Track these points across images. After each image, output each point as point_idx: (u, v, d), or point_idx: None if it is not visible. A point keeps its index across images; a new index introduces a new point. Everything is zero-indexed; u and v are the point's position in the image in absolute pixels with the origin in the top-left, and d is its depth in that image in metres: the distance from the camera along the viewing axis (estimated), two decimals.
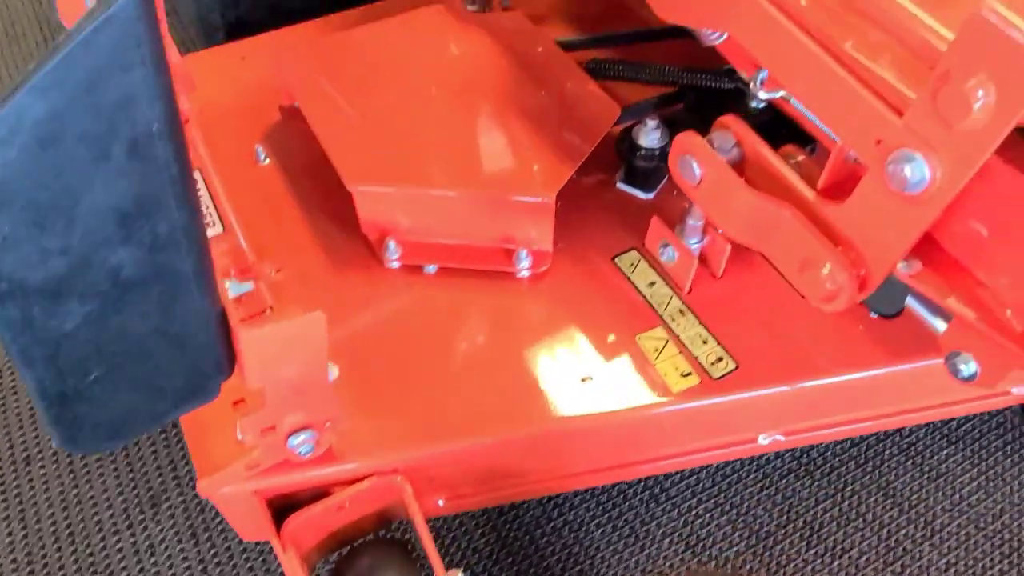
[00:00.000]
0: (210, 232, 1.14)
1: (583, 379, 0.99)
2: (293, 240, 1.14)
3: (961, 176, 0.68)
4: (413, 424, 0.97)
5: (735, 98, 1.17)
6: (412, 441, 0.95)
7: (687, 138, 0.92)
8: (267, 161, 1.23)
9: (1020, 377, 1.20)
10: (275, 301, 0.96)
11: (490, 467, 1.01)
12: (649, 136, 1.13)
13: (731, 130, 0.92)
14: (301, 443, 0.83)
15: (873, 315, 1.02)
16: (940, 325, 0.89)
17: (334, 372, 0.99)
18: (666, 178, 1.20)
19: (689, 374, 1.00)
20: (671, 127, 1.17)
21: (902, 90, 0.75)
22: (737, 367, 1.01)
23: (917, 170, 0.70)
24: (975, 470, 1.30)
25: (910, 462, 1.30)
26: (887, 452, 1.31)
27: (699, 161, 0.92)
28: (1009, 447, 1.32)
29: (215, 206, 1.15)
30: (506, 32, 1.24)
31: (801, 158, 0.96)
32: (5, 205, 0.51)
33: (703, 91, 1.19)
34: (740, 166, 0.93)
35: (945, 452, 1.31)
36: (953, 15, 0.74)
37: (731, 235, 0.93)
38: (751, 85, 0.94)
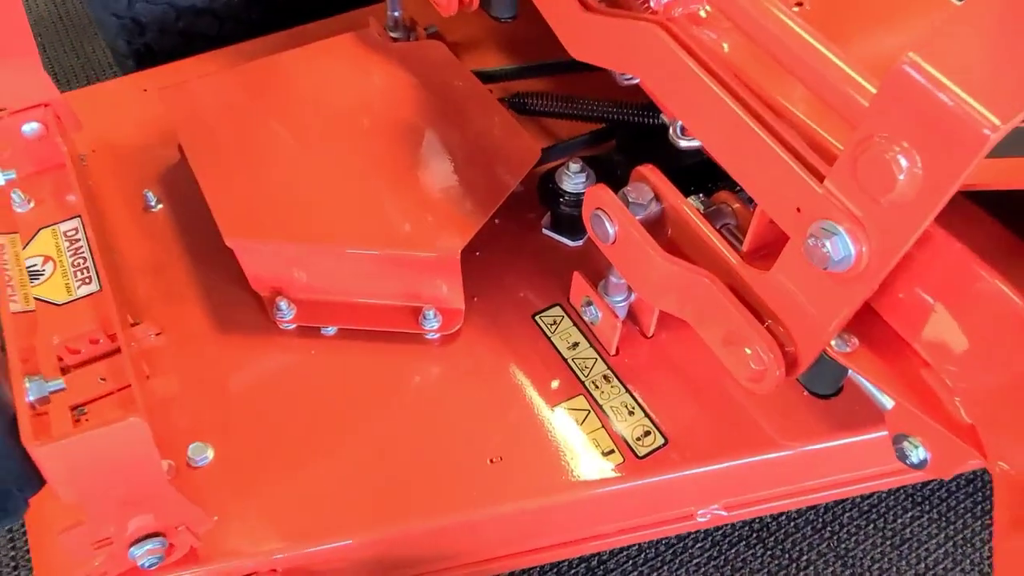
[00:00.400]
0: (85, 289, 1.02)
1: (491, 460, 0.88)
2: (179, 297, 1.03)
3: (892, 254, 0.58)
4: (296, 514, 0.85)
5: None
6: (294, 535, 0.84)
7: (598, 192, 0.81)
8: (159, 207, 1.12)
9: None
10: (137, 377, 0.85)
11: (389, 559, 0.90)
12: (573, 180, 1.02)
13: (649, 182, 0.82)
14: (144, 555, 0.71)
15: (807, 394, 0.91)
16: (886, 402, 0.78)
17: (208, 455, 0.88)
18: None
19: (611, 452, 0.89)
20: (601, 167, 1.06)
21: (828, 146, 0.65)
22: (666, 443, 0.90)
23: (840, 246, 0.59)
24: (942, 535, 1.19)
25: (871, 527, 1.19)
26: (846, 516, 1.20)
27: (611, 218, 0.81)
28: (979, 508, 1.21)
29: (93, 260, 1.04)
30: (422, 65, 1.13)
31: (736, 206, 0.86)
32: None
33: (635, 127, 1.09)
34: (662, 220, 0.83)
35: (910, 515, 1.21)
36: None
37: (648, 300, 0.82)
38: (671, 130, 0.83)
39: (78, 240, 1.07)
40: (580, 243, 1.08)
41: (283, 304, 0.96)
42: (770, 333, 0.71)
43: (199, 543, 0.79)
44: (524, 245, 1.08)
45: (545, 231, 1.09)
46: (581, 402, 0.93)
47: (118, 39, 1.39)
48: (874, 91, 0.54)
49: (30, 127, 1.10)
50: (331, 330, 0.98)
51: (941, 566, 1.16)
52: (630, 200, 0.80)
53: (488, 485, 0.86)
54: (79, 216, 1.09)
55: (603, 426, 0.91)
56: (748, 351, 0.72)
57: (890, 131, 0.52)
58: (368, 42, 1.17)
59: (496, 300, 1.02)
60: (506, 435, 0.90)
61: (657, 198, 0.81)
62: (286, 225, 0.93)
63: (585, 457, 0.88)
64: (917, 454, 0.74)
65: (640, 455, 0.89)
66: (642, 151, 1.08)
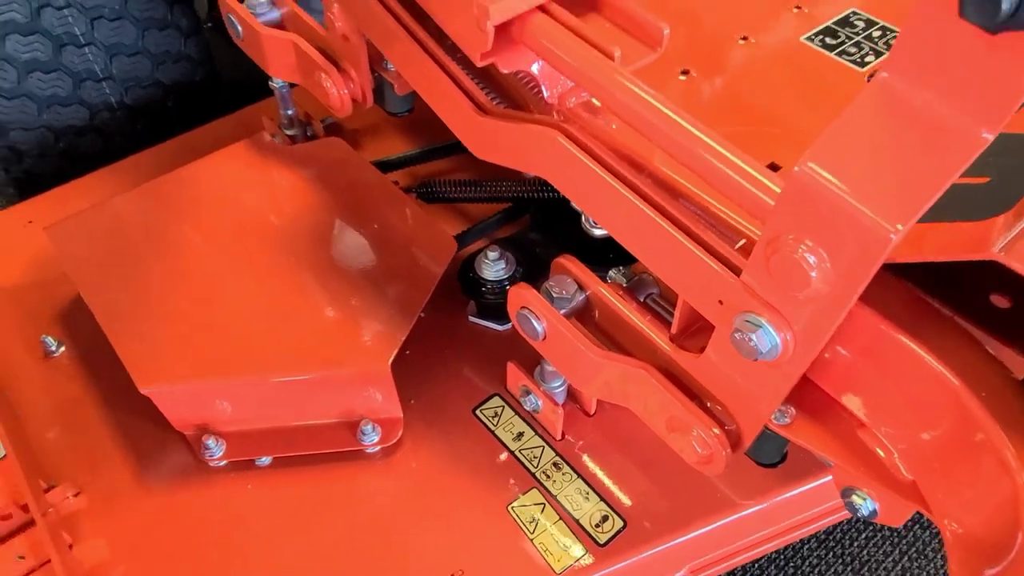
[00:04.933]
0: None
1: (453, 575, 0.85)
2: (95, 448, 0.96)
3: (817, 340, 0.59)
4: None
5: None
6: None
7: (521, 292, 0.81)
8: (60, 350, 1.05)
9: None
10: (58, 550, 0.79)
11: None
12: (493, 268, 1.01)
13: (570, 273, 0.81)
14: None
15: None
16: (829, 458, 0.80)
17: None
18: None
19: (573, 544, 0.88)
20: (518, 249, 1.06)
21: (743, 231, 0.66)
22: (625, 525, 0.89)
23: (766, 338, 0.60)
24: (896, 552, 1.22)
25: (831, 555, 1.22)
26: (805, 548, 1.22)
27: (538, 317, 0.80)
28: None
29: None
30: (323, 165, 1.11)
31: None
32: None
33: (546, 203, 1.09)
34: (588, 306, 0.83)
35: (864, 536, 1.24)
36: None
37: (587, 393, 0.81)
38: (583, 219, 0.83)
39: None
40: (508, 327, 1.07)
41: (211, 442, 0.91)
42: (711, 414, 0.72)
43: None
44: (453, 335, 1.07)
45: (472, 319, 1.08)
46: (535, 496, 0.91)
47: None
48: (778, 190, 0.55)
49: None
50: (265, 460, 0.94)
51: None
52: (554, 295, 0.80)
53: None
54: None
55: (560, 518, 0.89)
56: (693, 433, 0.72)
57: (796, 232, 0.53)
58: (263, 147, 1.14)
59: (433, 399, 1.00)
60: (464, 545, 0.87)
61: (581, 287, 0.81)
62: (203, 362, 0.88)
63: (549, 555, 0.86)
64: (866, 506, 0.76)
65: (601, 543, 0.88)
66: (557, 226, 1.10)
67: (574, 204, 0.79)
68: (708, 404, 0.73)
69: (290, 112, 1.24)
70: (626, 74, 0.65)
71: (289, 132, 1.25)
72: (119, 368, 0.99)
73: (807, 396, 0.72)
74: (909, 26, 0.46)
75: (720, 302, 0.63)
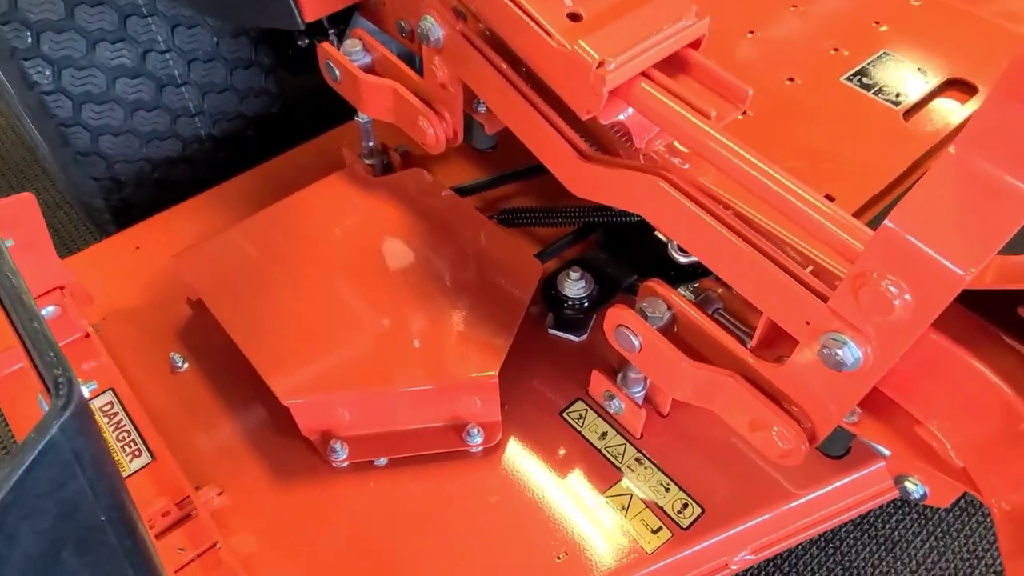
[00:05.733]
0: (137, 463, 1.07)
1: (558, 557, 0.98)
2: (230, 452, 1.08)
3: (893, 355, 0.72)
4: None
5: (647, 229, 1.21)
6: None
7: (620, 312, 0.94)
8: (185, 366, 1.17)
9: None
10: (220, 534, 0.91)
11: None
12: (575, 287, 1.14)
13: (659, 295, 0.94)
14: None
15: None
16: (884, 449, 0.93)
17: None
18: (596, 316, 1.22)
19: (659, 529, 1.01)
20: (591, 268, 1.19)
21: (821, 263, 0.79)
22: (703, 511, 1.02)
23: (851, 352, 0.73)
24: (924, 532, 1.36)
25: (865, 536, 1.36)
26: (843, 530, 1.36)
27: (635, 333, 0.93)
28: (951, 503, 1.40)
29: (138, 432, 1.09)
30: (411, 195, 1.23)
31: (721, 291, 1.00)
32: None
33: (616, 226, 1.22)
34: (671, 323, 0.96)
35: (895, 519, 1.38)
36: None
37: (677, 397, 0.94)
38: (669, 246, 0.96)
39: (116, 414, 1.11)
40: (584, 338, 1.20)
41: (337, 446, 1.04)
42: (790, 415, 0.85)
43: None
44: (534, 345, 1.19)
45: (551, 331, 1.21)
46: (622, 487, 1.04)
47: (95, 198, 1.42)
48: (866, 232, 0.69)
49: (47, 311, 1.14)
50: (383, 461, 1.06)
51: (929, 560, 1.33)
52: (648, 314, 0.93)
53: None
54: (111, 389, 1.14)
55: (647, 506, 1.03)
56: (774, 432, 0.85)
57: (881, 270, 0.66)
58: (354, 179, 1.26)
59: (523, 404, 1.12)
60: (565, 531, 1.00)
61: (668, 307, 0.94)
62: (336, 376, 1.01)
63: (641, 538, 1.00)
64: (917, 490, 0.89)
65: (684, 527, 1.01)
66: (623, 246, 1.23)
67: (662, 234, 0.92)
68: (785, 406, 0.87)
69: (371, 144, 1.36)
70: (726, 133, 0.78)
71: (368, 161, 1.37)
72: (239, 380, 1.12)
73: (870, 399, 0.85)
74: (981, 116, 0.59)
75: (807, 323, 0.76)
